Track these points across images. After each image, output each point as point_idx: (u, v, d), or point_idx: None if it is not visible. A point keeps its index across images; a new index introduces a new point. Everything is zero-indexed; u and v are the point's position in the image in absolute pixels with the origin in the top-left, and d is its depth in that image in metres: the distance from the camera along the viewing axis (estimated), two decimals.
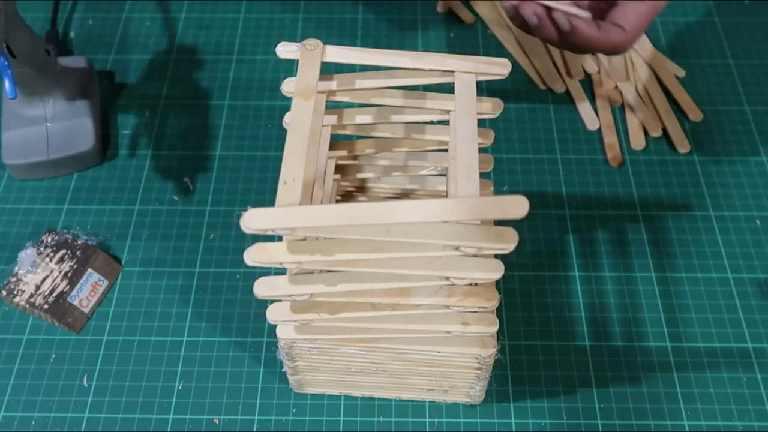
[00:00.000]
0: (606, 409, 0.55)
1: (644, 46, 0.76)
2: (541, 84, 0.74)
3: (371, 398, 0.55)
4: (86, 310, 0.59)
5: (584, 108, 0.72)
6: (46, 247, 0.60)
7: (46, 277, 0.59)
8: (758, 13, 0.80)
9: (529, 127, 0.71)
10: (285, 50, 0.48)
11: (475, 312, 0.45)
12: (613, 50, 0.59)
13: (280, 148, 0.69)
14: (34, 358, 0.57)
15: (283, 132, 0.70)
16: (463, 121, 0.45)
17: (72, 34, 0.79)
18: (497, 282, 0.44)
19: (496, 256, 0.47)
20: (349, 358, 0.50)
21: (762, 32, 0.79)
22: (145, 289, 0.61)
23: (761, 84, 0.74)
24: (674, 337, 0.58)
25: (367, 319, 0.46)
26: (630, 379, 0.56)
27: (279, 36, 0.78)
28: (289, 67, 0.75)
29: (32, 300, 0.58)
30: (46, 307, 0.58)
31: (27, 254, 0.60)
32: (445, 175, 0.56)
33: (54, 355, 0.57)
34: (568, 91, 0.74)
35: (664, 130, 0.70)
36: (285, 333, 0.47)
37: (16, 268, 0.59)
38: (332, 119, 0.50)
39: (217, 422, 0.54)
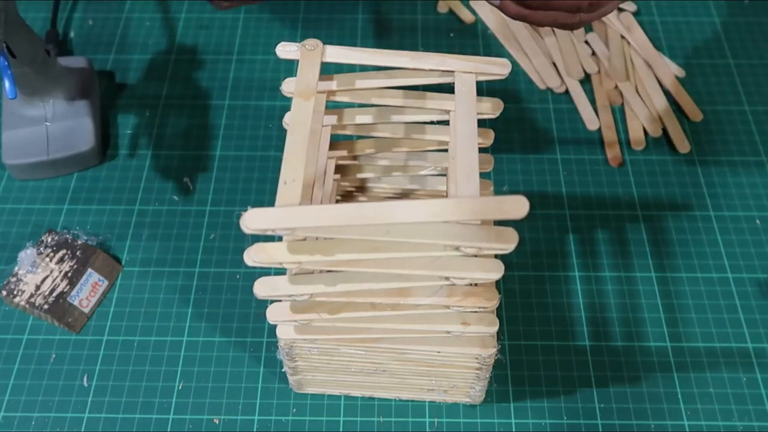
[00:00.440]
0: (606, 409, 0.55)
1: (644, 46, 0.76)
2: (541, 84, 0.74)
3: (371, 398, 0.55)
4: (86, 310, 0.59)
5: (584, 108, 0.72)
6: (46, 247, 0.60)
7: (46, 277, 0.59)
8: (758, 13, 0.80)
9: (529, 127, 0.71)
10: (285, 50, 0.48)
11: (475, 312, 0.45)
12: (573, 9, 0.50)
13: (280, 148, 0.70)
14: (34, 358, 0.57)
15: (283, 132, 0.70)
16: (463, 121, 0.45)
17: (72, 34, 0.79)
18: (497, 282, 0.44)
19: (496, 256, 0.47)
20: (349, 358, 0.50)
21: (762, 32, 0.79)
22: (145, 289, 0.61)
23: (761, 84, 0.74)
24: (674, 337, 0.58)
25: (367, 319, 0.46)
26: (630, 379, 0.56)
27: (279, 36, 0.78)
28: (289, 67, 0.75)
29: (32, 300, 0.58)
30: (46, 307, 0.58)
31: (27, 254, 0.60)
32: (445, 175, 0.56)
33: (54, 355, 0.57)
34: (568, 91, 0.74)
35: (664, 130, 0.70)
36: (285, 333, 0.47)
37: (16, 268, 0.59)
38: (332, 119, 0.50)
39: (217, 422, 0.54)
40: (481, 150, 0.45)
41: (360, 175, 0.56)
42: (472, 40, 0.78)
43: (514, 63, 0.75)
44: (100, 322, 0.59)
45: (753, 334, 0.58)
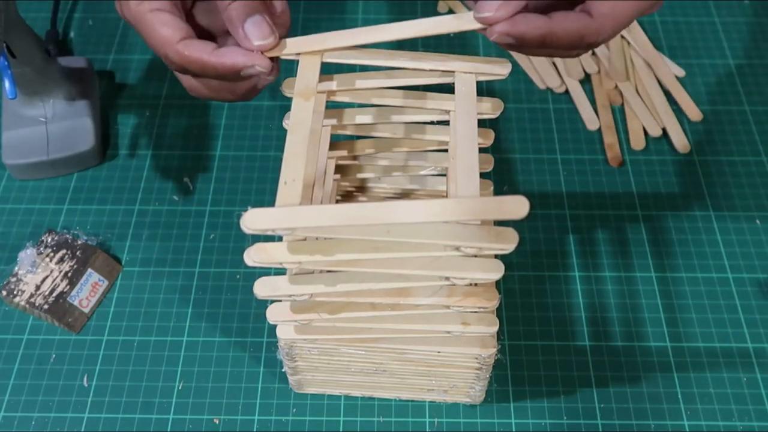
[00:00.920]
0: (606, 409, 0.55)
1: (644, 46, 0.76)
2: (541, 84, 0.74)
3: (371, 398, 0.55)
4: (86, 310, 0.59)
5: (584, 108, 0.72)
6: (46, 247, 0.60)
7: (46, 277, 0.59)
8: (758, 13, 0.80)
9: (529, 127, 0.71)
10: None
11: (475, 312, 0.45)
12: (583, 41, 0.45)
13: (280, 148, 0.69)
14: (34, 358, 0.57)
15: (283, 132, 0.70)
16: (464, 121, 0.45)
17: (72, 34, 0.79)
18: (497, 282, 0.44)
19: (496, 256, 0.47)
20: (349, 358, 0.50)
21: (762, 32, 0.79)
22: (145, 289, 0.61)
23: (761, 84, 0.74)
24: (674, 337, 0.58)
25: (367, 319, 0.46)
26: (630, 379, 0.56)
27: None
28: (290, 67, 0.75)
29: (32, 300, 0.58)
30: (46, 307, 0.58)
31: (27, 254, 0.59)
32: (445, 175, 0.56)
33: (54, 355, 0.57)
34: (568, 91, 0.74)
35: (664, 130, 0.70)
36: (285, 333, 0.47)
37: (16, 268, 0.59)
38: (332, 119, 0.50)
39: (217, 422, 0.54)
40: (481, 150, 0.45)
41: (360, 175, 0.56)
42: (472, 40, 0.78)
43: (514, 63, 0.75)
44: (100, 322, 0.59)
45: (753, 334, 0.58)
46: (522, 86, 0.74)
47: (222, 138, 0.70)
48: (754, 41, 0.78)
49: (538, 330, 0.58)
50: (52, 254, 0.60)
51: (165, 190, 0.66)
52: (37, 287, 0.58)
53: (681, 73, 0.75)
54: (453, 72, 0.47)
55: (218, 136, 0.70)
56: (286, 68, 0.44)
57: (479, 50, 0.77)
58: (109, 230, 0.64)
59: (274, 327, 0.48)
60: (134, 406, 0.55)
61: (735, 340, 0.58)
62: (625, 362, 0.57)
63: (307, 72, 0.46)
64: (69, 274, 0.59)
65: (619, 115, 0.72)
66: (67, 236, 0.61)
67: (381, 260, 0.41)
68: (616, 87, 0.74)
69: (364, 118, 0.50)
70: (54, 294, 0.58)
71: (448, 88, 0.48)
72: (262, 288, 0.43)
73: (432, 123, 0.51)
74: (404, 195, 0.58)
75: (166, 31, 0.44)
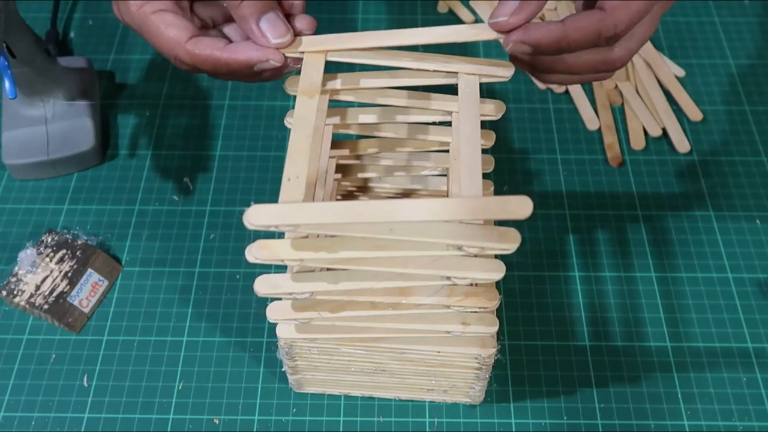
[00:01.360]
0: (606, 409, 0.55)
1: (644, 46, 0.76)
2: (541, 84, 0.74)
3: (371, 398, 0.55)
4: (86, 310, 0.59)
5: (584, 108, 0.72)
6: (46, 247, 0.60)
7: (46, 277, 0.59)
8: (758, 13, 0.81)
9: (529, 127, 0.71)
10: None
11: (476, 312, 0.45)
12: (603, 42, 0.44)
13: (281, 147, 0.70)
14: (34, 358, 0.57)
15: (283, 132, 0.70)
16: (466, 122, 0.45)
17: (72, 34, 0.79)
18: (497, 282, 0.44)
19: (496, 256, 0.47)
20: (349, 357, 0.50)
21: (762, 32, 0.79)
22: (145, 289, 0.61)
23: (761, 84, 0.74)
24: (674, 337, 0.58)
25: (367, 318, 0.46)
26: (630, 379, 0.56)
27: None
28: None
29: (32, 300, 0.58)
30: (46, 307, 0.58)
31: (27, 254, 0.59)
32: (446, 175, 0.56)
33: (54, 355, 0.57)
34: (568, 91, 0.74)
35: (664, 130, 0.70)
36: (285, 332, 0.47)
37: (16, 268, 0.59)
38: (334, 118, 0.50)
39: (217, 422, 0.54)
40: (482, 151, 0.45)
41: (361, 175, 0.56)
42: (474, 42, 0.78)
43: None
44: (100, 322, 0.59)
45: (753, 334, 0.58)
46: (522, 86, 0.74)
47: (222, 138, 0.70)
48: (754, 41, 0.78)
49: (538, 330, 0.58)
50: (52, 254, 0.60)
51: (165, 190, 0.66)
52: (37, 287, 0.58)
53: (681, 73, 0.75)
54: (456, 73, 0.47)
55: (218, 136, 0.70)
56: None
57: (479, 50, 0.77)
58: (109, 230, 0.64)
59: (274, 327, 0.48)
60: (134, 406, 0.55)
61: (735, 340, 0.58)
62: (625, 362, 0.57)
63: (311, 70, 0.46)
64: (69, 274, 0.59)
65: (619, 115, 0.72)
66: (67, 236, 0.61)
67: (383, 259, 0.41)
68: (616, 87, 0.74)
69: (366, 117, 0.50)
70: (54, 294, 0.58)
71: (451, 89, 0.48)
72: (262, 285, 0.43)
73: (434, 123, 0.51)
74: (406, 195, 0.58)
75: (172, 32, 0.44)
